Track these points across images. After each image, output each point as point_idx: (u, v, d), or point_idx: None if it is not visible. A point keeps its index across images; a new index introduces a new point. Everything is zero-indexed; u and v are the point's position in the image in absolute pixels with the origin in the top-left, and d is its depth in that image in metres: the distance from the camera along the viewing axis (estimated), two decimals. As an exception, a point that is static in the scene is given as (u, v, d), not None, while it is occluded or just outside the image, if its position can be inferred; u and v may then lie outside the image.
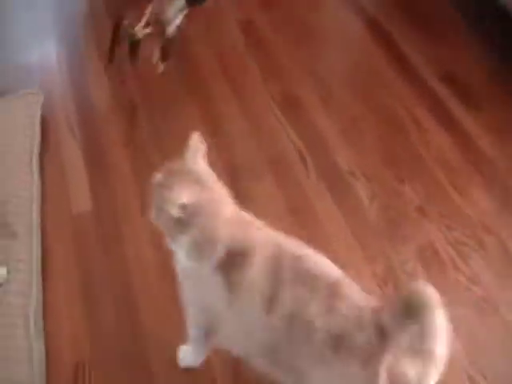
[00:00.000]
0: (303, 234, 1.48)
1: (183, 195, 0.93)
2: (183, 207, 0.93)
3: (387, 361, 0.89)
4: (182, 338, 1.22)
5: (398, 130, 1.73)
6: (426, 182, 1.62)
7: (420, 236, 1.51)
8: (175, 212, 0.92)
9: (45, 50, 2.08)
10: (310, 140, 1.71)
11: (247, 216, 1.04)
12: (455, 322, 0.91)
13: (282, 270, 0.96)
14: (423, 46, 1.96)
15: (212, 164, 1.01)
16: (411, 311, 0.86)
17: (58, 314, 1.39)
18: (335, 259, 1.46)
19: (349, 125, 1.74)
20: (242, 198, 1.06)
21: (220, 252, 0.97)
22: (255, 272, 0.97)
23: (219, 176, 1.01)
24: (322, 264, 1.00)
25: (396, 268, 1.44)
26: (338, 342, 0.91)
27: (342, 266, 1.44)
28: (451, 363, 0.92)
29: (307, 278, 0.95)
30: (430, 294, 0.85)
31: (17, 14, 2.22)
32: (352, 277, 0.94)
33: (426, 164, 1.66)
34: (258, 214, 1.03)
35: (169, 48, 1.76)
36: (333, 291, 0.94)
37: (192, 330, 1.16)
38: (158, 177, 0.97)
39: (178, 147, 1.00)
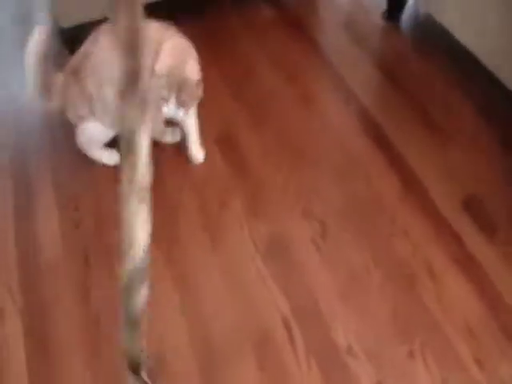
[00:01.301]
0: None
1: None
2: None
3: None
4: None
5: (409, 282, 1.41)
6: (442, 356, 1.29)
7: None
8: None
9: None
10: (300, 304, 1.38)
11: None
12: None
13: None
14: (434, 158, 1.66)
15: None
16: None
17: None
18: None
19: (348, 279, 1.42)
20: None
21: None
22: None
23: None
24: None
25: None
26: None
27: None
28: None
29: None
30: None
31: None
32: None
33: (442, 330, 1.32)
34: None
35: None
36: None
37: None
38: None
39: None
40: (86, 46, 1.59)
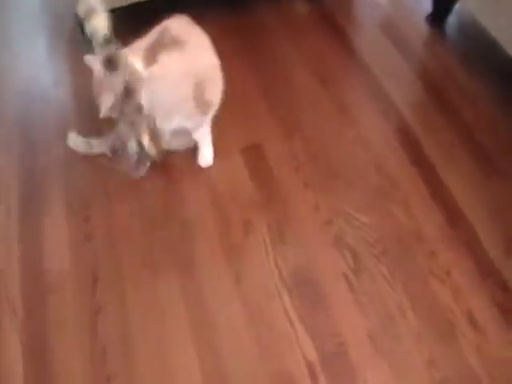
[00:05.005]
0: None
1: None
2: None
3: None
4: None
5: (447, 331, 1.27)
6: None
7: None
8: None
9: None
10: (327, 348, 1.25)
11: None
12: None
13: None
14: (479, 191, 1.49)
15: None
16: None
17: None
18: None
19: (381, 322, 1.28)
20: None
21: None
22: None
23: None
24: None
25: None
26: None
27: None
28: None
29: None
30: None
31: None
32: None
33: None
34: None
35: None
36: None
37: None
38: None
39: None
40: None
